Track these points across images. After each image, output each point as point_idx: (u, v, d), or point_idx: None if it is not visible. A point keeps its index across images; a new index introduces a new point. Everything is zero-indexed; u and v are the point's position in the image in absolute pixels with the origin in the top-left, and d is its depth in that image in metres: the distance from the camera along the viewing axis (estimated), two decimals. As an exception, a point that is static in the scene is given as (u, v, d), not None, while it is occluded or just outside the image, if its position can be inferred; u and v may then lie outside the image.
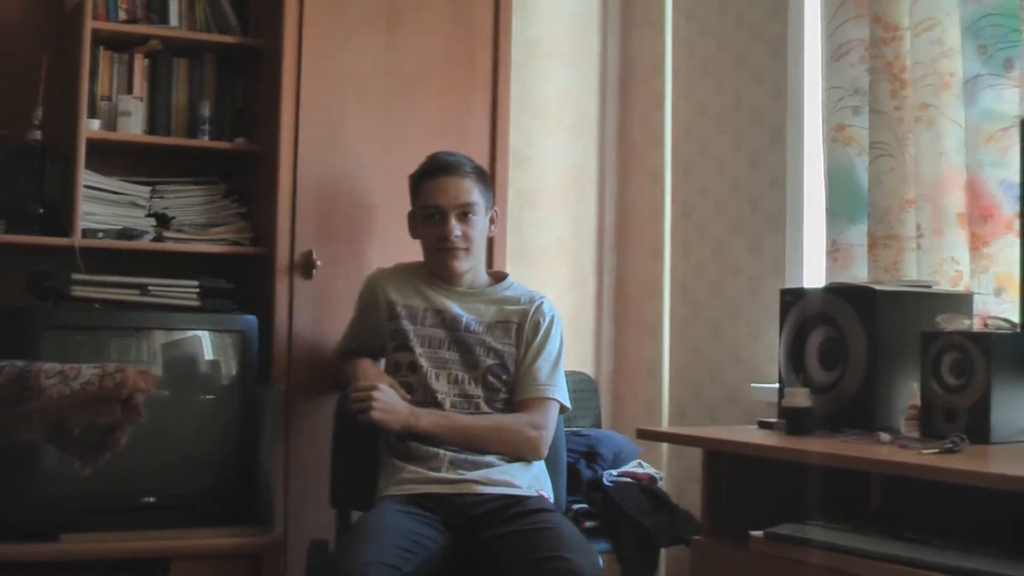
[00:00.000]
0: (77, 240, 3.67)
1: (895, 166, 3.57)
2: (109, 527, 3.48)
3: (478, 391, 3.54)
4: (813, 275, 4.11)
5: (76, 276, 3.64)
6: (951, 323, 3.02)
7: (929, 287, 3.32)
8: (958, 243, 3.45)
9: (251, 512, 3.66)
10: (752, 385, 4.26)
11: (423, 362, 3.54)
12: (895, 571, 2.54)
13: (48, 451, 3.26)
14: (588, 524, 3.91)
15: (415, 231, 3.67)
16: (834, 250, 3.79)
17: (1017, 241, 3.18)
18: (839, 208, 3.80)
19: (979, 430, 2.88)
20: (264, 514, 3.66)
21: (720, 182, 4.60)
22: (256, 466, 3.67)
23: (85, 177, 3.72)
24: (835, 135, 3.81)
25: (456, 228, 3.54)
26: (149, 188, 3.91)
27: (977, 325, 3.13)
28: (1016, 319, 3.07)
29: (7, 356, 3.14)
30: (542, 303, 3.63)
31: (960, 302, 3.25)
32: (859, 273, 3.72)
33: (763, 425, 3.37)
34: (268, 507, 3.66)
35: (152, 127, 3.94)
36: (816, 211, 4.07)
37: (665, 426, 4.66)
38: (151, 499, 3.56)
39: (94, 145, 3.76)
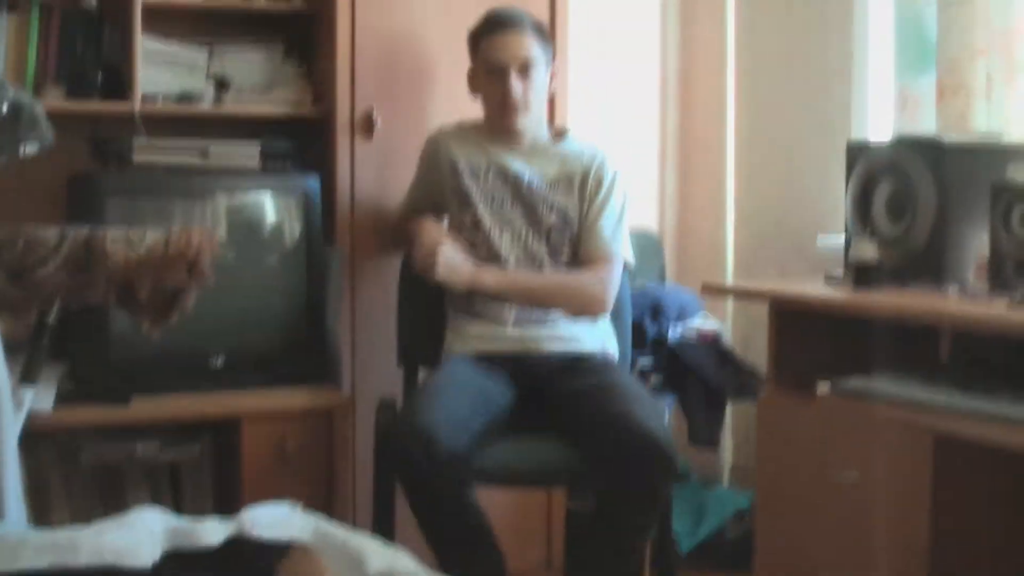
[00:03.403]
0: (137, 105, 3.66)
1: (965, 14, 3.47)
2: (179, 389, 3.52)
3: (541, 248, 3.53)
4: (880, 127, 4.05)
5: (137, 141, 3.64)
6: (1022, 174, 2.97)
7: (999, 138, 3.26)
8: (1030, 92, 3.39)
9: (320, 372, 3.69)
10: (819, 235, 4.22)
11: (486, 220, 3.53)
12: (964, 423, 2.54)
13: (117, 315, 3.33)
14: (653, 379, 3.93)
15: (475, 89, 3.64)
16: (902, 100, 3.72)
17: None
18: (907, 58, 3.72)
19: (1050, 281, 2.85)
20: (333, 373, 3.69)
21: (785, 31, 4.51)
22: (323, 326, 3.70)
23: (143, 42, 3.69)
24: (903, -18, 3.72)
25: (517, 85, 3.50)
26: (207, 51, 3.89)
27: (1049, 175, 3.08)
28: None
29: (73, 222, 3.17)
30: (604, 159, 3.59)
31: (1032, 152, 3.19)
32: (927, 124, 3.65)
33: (829, 279, 3.35)
34: (336, 366, 3.70)
35: (209, -11, 3.91)
36: (883, 61, 3.99)
37: (730, 280, 4.64)
38: (220, 361, 3.60)
39: (150, 9, 3.71)
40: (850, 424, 2.86)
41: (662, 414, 3.18)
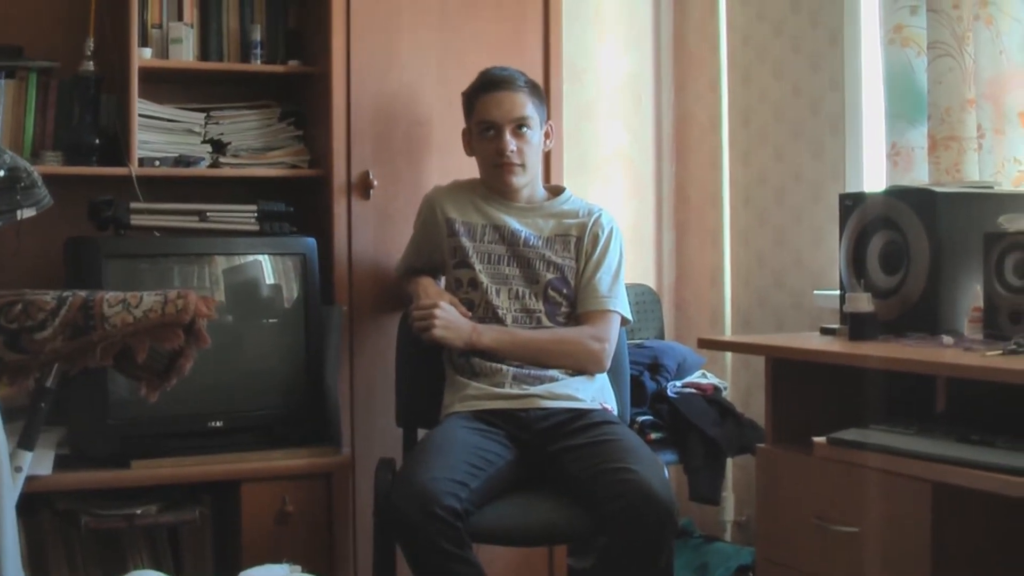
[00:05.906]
0: (134, 169, 3.69)
1: (954, 66, 3.50)
2: (179, 452, 3.51)
3: (539, 306, 3.54)
4: (874, 179, 4.07)
5: (135, 205, 3.65)
6: (1014, 223, 2.98)
7: (991, 187, 3.28)
8: (1020, 142, 3.40)
9: (319, 433, 3.69)
10: (815, 292, 4.25)
11: (483, 278, 3.54)
12: (961, 473, 2.54)
13: (116, 378, 3.34)
14: (654, 436, 3.92)
15: (471, 148, 3.66)
16: (894, 153, 3.74)
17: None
18: (899, 110, 3.75)
19: (1044, 330, 2.85)
20: (332, 434, 3.68)
21: (779, 87, 4.55)
22: (323, 387, 3.69)
23: (139, 106, 3.72)
24: (893, 36, 3.74)
25: (512, 143, 3.52)
26: (204, 114, 3.91)
27: (1041, 224, 3.09)
28: (1081, 216, 3.02)
29: (70, 286, 3.19)
30: (600, 215, 3.61)
31: (1023, 202, 3.20)
32: (920, 175, 3.67)
33: (825, 331, 3.36)
34: (336, 427, 3.69)
35: (204, 53, 3.93)
36: (876, 114, 4.01)
37: (728, 335, 4.64)
38: (219, 423, 3.59)
39: (147, 73, 3.76)
40: (848, 476, 2.86)
41: (662, 470, 3.18)
